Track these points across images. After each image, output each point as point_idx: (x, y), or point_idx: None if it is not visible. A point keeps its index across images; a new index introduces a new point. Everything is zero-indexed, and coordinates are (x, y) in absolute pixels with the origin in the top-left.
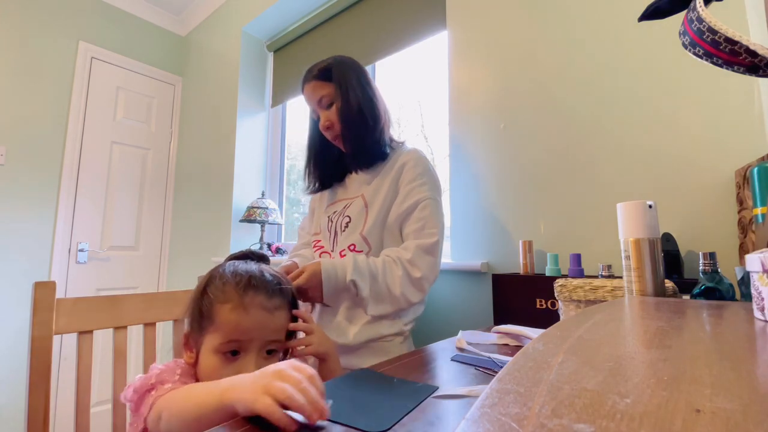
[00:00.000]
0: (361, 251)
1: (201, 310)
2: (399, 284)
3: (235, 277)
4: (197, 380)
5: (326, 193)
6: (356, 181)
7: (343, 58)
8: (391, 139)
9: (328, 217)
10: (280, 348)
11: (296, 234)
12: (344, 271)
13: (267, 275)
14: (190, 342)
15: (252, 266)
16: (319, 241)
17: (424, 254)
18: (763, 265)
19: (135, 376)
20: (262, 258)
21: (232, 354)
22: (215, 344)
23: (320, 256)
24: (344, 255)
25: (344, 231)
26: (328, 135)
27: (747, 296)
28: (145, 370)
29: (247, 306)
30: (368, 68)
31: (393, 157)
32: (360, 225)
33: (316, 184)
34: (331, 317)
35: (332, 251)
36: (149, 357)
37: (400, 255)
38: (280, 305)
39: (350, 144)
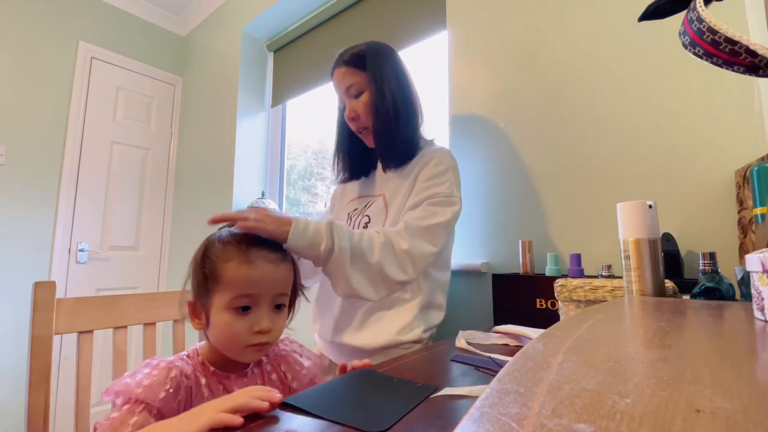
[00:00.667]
0: None
1: (205, 273)
2: (377, 250)
3: (235, 237)
4: (208, 351)
5: (348, 187)
6: (381, 177)
7: (379, 45)
8: (421, 139)
9: (348, 214)
10: (287, 303)
11: None
12: (318, 224)
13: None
14: (198, 308)
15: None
16: None
17: (414, 232)
18: (763, 265)
19: None
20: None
21: (243, 309)
22: (226, 301)
23: None
24: None
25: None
26: (352, 126)
27: (747, 296)
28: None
29: (252, 260)
30: None
31: (420, 154)
32: (379, 224)
33: (346, 174)
34: (348, 322)
35: None
36: (149, 357)
37: (385, 229)
38: (283, 258)
39: (380, 140)
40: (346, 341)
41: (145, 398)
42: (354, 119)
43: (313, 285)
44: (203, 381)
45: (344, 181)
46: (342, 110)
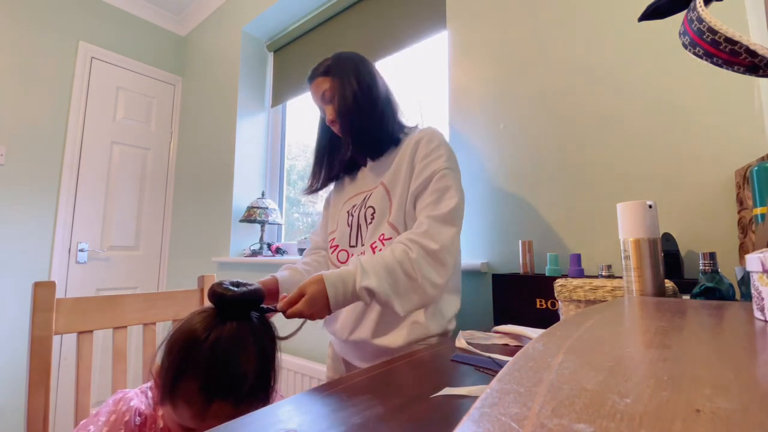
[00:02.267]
0: (390, 238)
1: (165, 384)
2: (416, 266)
3: (205, 375)
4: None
5: (340, 193)
6: (371, 173)
7: (342, 53)
8: (402, 125)
9: (347, 212)
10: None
11: (296, 234)
12: (352, 278)
13: (242, 369)
14: (157, 384)
15: (229, 344)
16: (335, 238)
17: (440, 224)
18: (763, 265)
19: (134, 376)
20: (245, 304)
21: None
22: (173, 418)
23: (338, 256)
24: (375, 247)
25: (371, 222)
26: (335, 129)
27: (747, 296)
28: (145, 369)
29: (208, 416)
30: None
31: (406, 140)
32: (386, 213)
33: (318, 184)
34: (368, 319)
35: (357, 245)
36: (149, 357)
37: (411, 233)
38: (246, 408)
39: (350, 134)
40: (370, 339)
41: None
42: (333, 122)
43: None
44: (160, 412)
45: (312, 191)
46: (323, 120)
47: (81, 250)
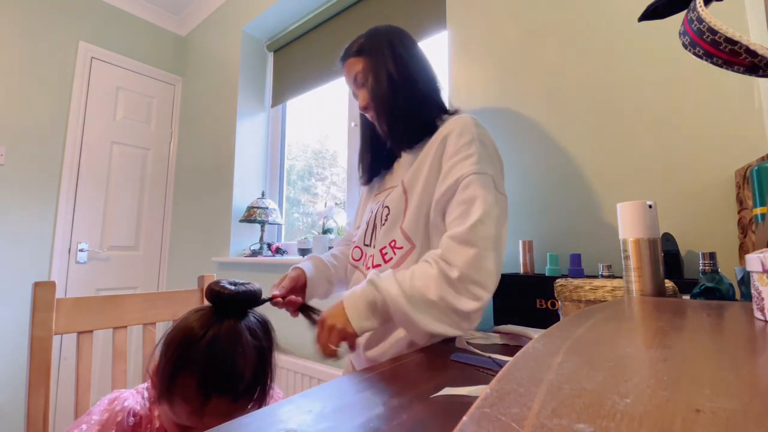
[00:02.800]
0: (402, 248)
1: (162, 381)
2: (433, 285)
3: (203, 372)
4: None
5: (372, 186)
6: (402, 165)
7: (378, 28)
8: (443, 109)
9: (371, 209)
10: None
11: (296, 234)
12: (361, 287)
13: (239, 366)
14: (154, 383)
15: (226, 341)
16: (357, 235)
17: (457, 245)
18: (763, 265)
19: (134, 376)
20: (242, 302)
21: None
22: (170, 417)
23: (353, 253)
24: (385, 252)
25: (384, 224)
26: (368, 116)
27: (747, 296)
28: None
29: (205, 413)
30: None
31: (439, 129)
32: (400, 217)
33: (367, 174)
34: (380, 334)
35: (370, 245)
36: (148, 357)
37: (434, 253)
38: (244, 404)
39: (384, 121)
40: (377, 357)
41: None
42: (366, 108)
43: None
44: (156, 413)
45: (365, 183)
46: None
47: (81, 250)
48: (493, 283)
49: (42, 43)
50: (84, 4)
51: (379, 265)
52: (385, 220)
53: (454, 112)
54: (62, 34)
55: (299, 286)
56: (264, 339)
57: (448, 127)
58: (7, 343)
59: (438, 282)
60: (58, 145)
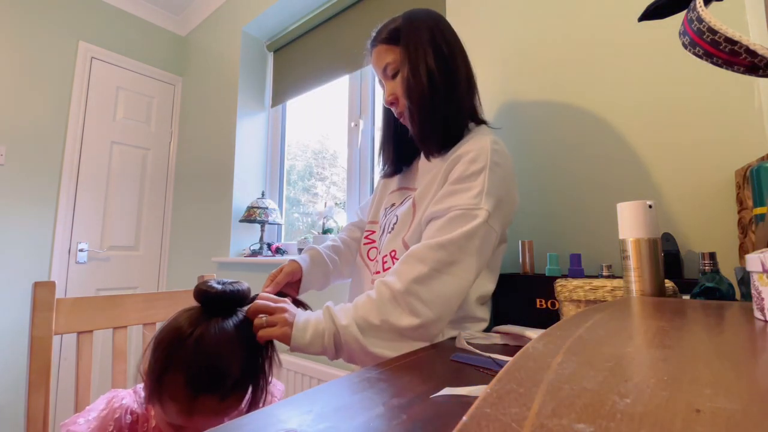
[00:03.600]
0: (398, 259)
1: (152, 381)
2: (371, 306)
3: (190, 370)
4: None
5: (390, 180)
6: (423, 166)
7: (416, 13)
8: (474, 116)
9: (384, 209)
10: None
11: (296, 234)
12: (317, 320)
13: (225, 364)
14: (145, 383)
15: (213, 339)
16: (373, 232)
17: (413, 261)
18: (763, 265)
19: (134, 376)
20: (230, 301)
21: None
22: (161, 416)
23: (368, 252)
24: (386, 261)
25: (390, 232)
26: (394, 111)
27: (747, 296)
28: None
29: (194, 411)
30: (367, 69)
31: (460, 142)
32: (405, 228)
33: (389, 167)
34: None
35: (379, 251)
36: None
37: (385, 275)
38: (233, 402)
39: (416, 123)
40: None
41: None
42: (393, 103)
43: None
44: (152, 412)
45: (388, 175)
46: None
47: (81, 250)
48: (443, 309)
49: (42, 43)
50: (84, 4)
51: (378, 272)
52: (392, 228)
53: (481, 124)
54: (62, 34)
55: (294, 281)
56: (253, 336)
57: (467, 145)
58: (7, 343)
59: (378, 304)
60: (58, 145)
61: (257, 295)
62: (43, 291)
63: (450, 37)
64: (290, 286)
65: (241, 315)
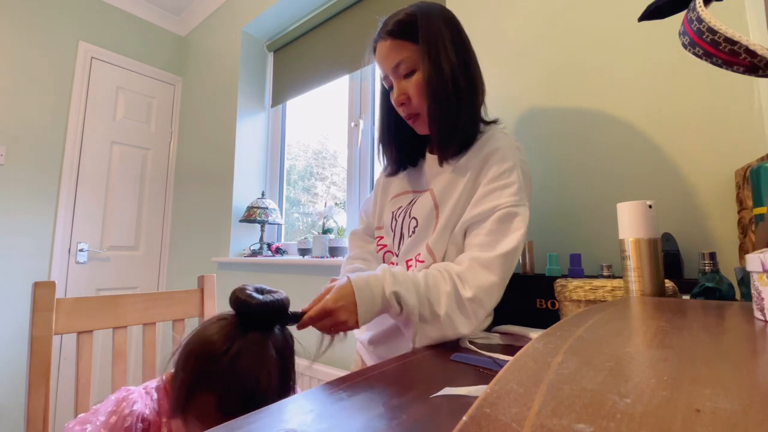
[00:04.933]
0: (423, 261)
1: (179, 397)
2: (445, 301)
3: (223, 391)
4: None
5: (391, 182)
6: (430, 168)
7: (430, 7)
8: (483, 117)
9: (392, 213)
10: None
11: (296, 234)
12: (380, 283)
13: (263, 387)
14: (168, 394)
15: (251, 359)
16: (382, 238)
17: (480, 269)
18: (763, 265)
19: (134, 376)
20: (271, 315)
21: None
22: (180, 429)
23: (384, 256)
24: (410, 266)
25: (411, 236)
26: (401, 111)
27: (747, 296)
28: (145, 370)
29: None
30: (367, 69)
31: (479, 143)
32: (429, 231)
33: (393, 166)
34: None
35: (398, 254)
36: (149, 357)
37: (449, 267)
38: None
39: (438, 128)
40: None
41: None
42: (404, 104)
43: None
44: (165, 419)
45: (390, 174)
46: (386, 92)
47: (81, 250)
48: (489, 312)
49: (42, 43)
50: (84, 4)
51: None
52: (413, 232)
53: (491, 123)
54: (62, 34)
55: None
56: (288, 355)
57: (492, 146)
58: (7, 343)
59: (449, 299)
60: (58, 145)
61: (295, 313)
62: (43, 291)
63: (465, 35)
64: None
65: (276, 329)
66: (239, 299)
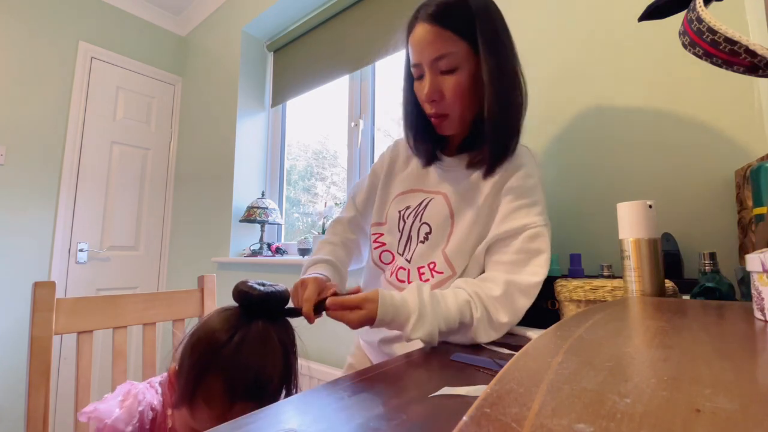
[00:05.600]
0: (442, 272)
1: (186, 385)
2: (473, 328)
3: (230, 376)
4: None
5: (395, 176)
6: (438, 167)
7: None
8: None
9: (399, 212)
10: None
11: (296, 234)
12: (405, 316)
13: (268, 373)
14: (173, 386)
15: (256, 345)
16: (382, 235)
17: (519, 295)
18: (763, 265)
19: (134, 376)
20: (272, 305)
21: None
22: (187, 422)
23: (381, 255)
24: (423, 273)
25: (423, 242)
26: (427, 108)
27: (747, 296)
28: (145, 370)
29: (228, 419)
30: (367, 69)
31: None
32: (443, 240)
33: (426, 158)
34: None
35: (402, 255)
36: (149, 357)
37: (482, 291)
38: (268, 397)
39: (499, 137)
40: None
41: (113, 429)
42: (435, 101)
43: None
44: (169, 411)
45: (426, 165)
46: (410, 78)
47: (81, 250)
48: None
49: (42, 43)
50: (84, 4)
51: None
52: (425, 238)
53: None
54: (62, 34)
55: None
56: (289, 342)
57: (517, 159)
58: (7, 343)
59: (478, 326)
60: (58, 145)
61: (293, 309)
62: (43, 291)
63: (510, 34)
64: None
65: (278, 320)
66: (242, 291)
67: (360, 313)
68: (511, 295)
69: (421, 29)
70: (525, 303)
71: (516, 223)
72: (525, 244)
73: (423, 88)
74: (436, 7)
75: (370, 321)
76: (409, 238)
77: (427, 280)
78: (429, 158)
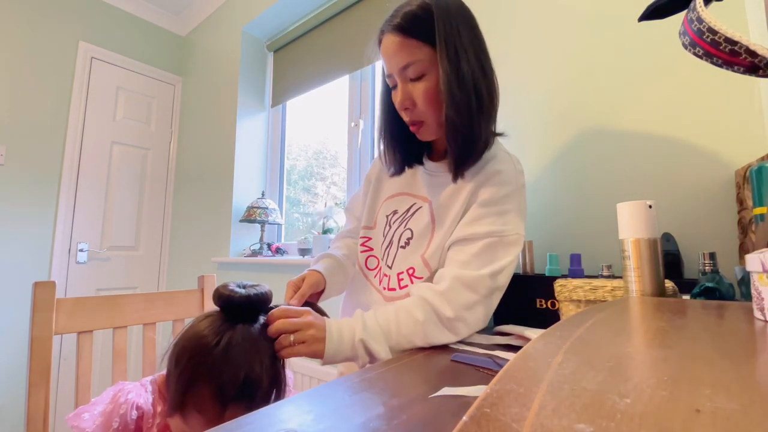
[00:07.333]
0: (422, 277)
1: (175, 394)
2: (420, 332)
3: (219, 381)
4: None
5: (385, 180)
6: (426, 172)
7: (447, 1)
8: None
9: (386, 216)
10: None
11: (296, 234)
12: (351, 331)
13: (256, 373)
14: (163, 395)
15: (242, 347)
16: (369, 239)
17: (463, 289)
18: (763, 265)
19: (134, 376)
20: (255, 306)
21: None
22: (181, 429)
23: (366, 261)
24: (402, 279)
25: (404, 247)
26: (404, 116)
27: (747, 296)
28: (145, 369)
29: (225, 418)
30: (367, 69)
31: (483, 159)
32: (423, 245)
33: (395, 166)
34: None
35: (384, 260)
36: (149, 357)
37: (425, 289)
38: (260, 401)
39: (460, 141)
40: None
41: None
42: (408, 109)
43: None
44: (159, 408)
45: (396, 173)
46: (388, 90)
47: (81, 250)
48: (478, 326)
49: (42, 43)
50: (84, 4)
51: (394, 289)
52: (406, 244)
53: (499, 133)
54: (62, 34)
55: (317, 292)
56: (276, 341)
57: (494, 165)
58: (7, 343)
59: (425, 327)
60: (58, 145)
61: (277, 306)
62: (43, 291)
63: (481, 34)
64: (312, 298)
65: (263, 320)
66: (223, 295)
67: (311, 329)
68: (455, 289)
69: (388, 40)
70: (471, 297)
71: (480, 228)
72: (483, 249)
73: (396, 97)
74: (401, 17)
75: (317, 350)
76: (390, 243)
77: (405, 286)
78: (400, 167)
